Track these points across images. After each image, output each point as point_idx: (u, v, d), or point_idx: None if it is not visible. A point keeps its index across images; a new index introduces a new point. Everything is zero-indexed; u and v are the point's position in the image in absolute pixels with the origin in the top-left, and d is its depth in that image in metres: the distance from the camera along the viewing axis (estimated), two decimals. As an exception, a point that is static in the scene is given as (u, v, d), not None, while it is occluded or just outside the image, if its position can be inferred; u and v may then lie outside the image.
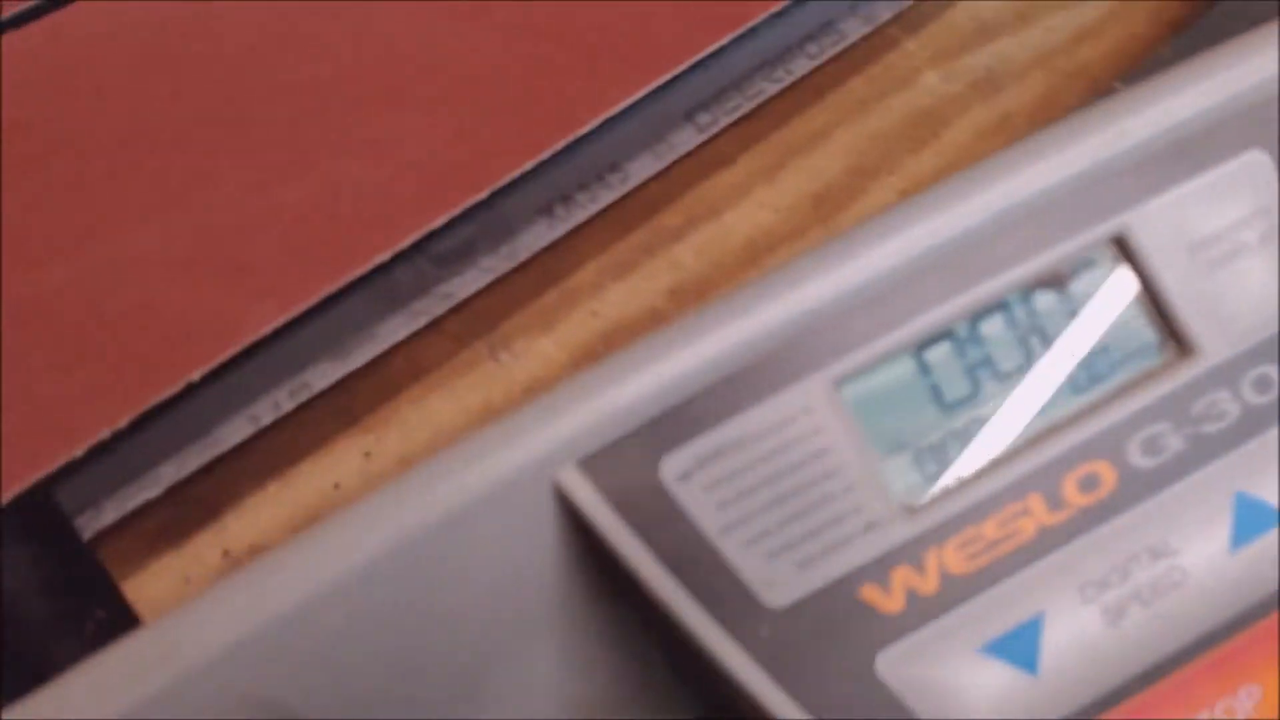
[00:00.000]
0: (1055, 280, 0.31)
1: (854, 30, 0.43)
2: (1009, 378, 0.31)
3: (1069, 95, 0.45)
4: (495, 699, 0.29)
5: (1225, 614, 0.30)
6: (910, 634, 0.29)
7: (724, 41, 0.38)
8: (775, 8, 0.39)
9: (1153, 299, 0.31)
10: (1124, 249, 0.31)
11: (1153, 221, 0.31)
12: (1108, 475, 0.30)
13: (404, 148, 0.38)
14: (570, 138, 0.37)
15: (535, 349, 0.39)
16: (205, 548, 0.36)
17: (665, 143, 0.40)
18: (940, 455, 0.30)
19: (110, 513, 0.35)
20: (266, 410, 0.36)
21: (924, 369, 0.30)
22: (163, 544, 0.36)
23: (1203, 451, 0.30)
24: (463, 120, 0.39)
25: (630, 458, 0.29)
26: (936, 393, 0.30)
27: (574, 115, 0.37)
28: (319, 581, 0.27)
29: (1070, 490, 0.30)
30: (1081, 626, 0.30)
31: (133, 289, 0.36)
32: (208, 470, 0.36)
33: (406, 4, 0.42)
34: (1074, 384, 0.31)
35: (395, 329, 0.38)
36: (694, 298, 0.40)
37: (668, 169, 0.41)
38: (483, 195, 0.36)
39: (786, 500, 0.29)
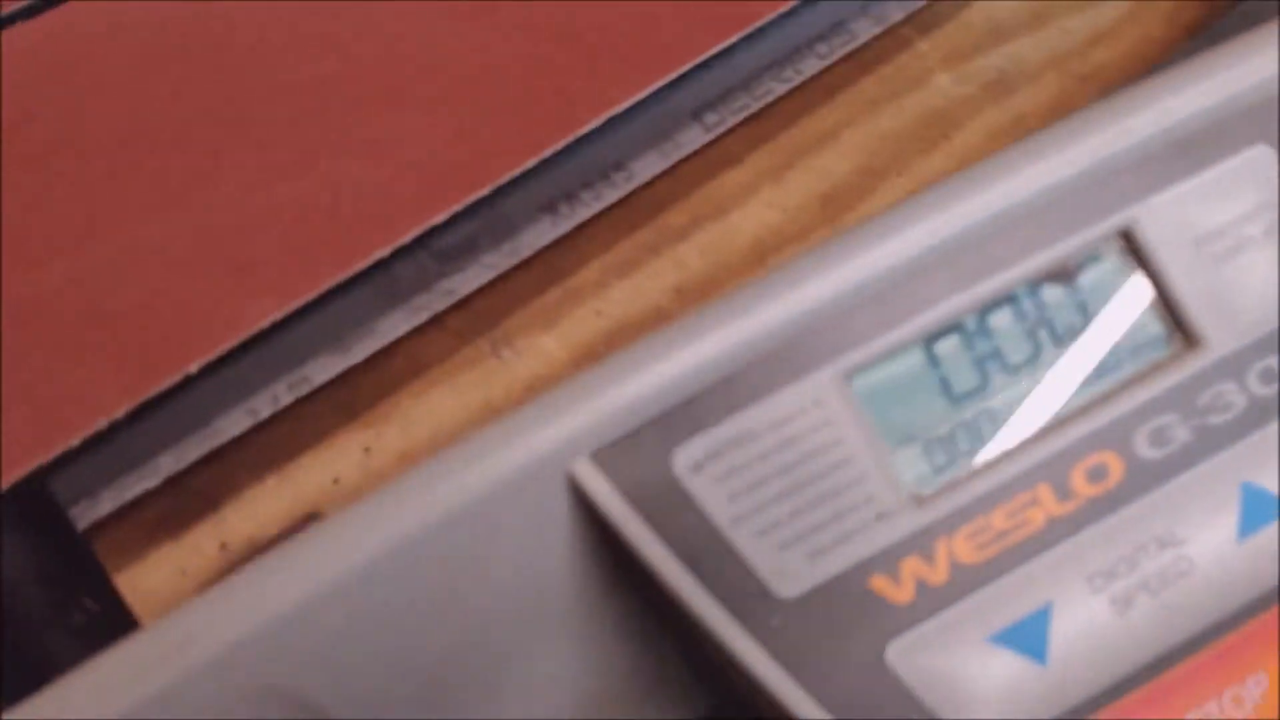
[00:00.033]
0: (1063, 274, 0.31)
1: (865, 30, 0.43)
2: (1018, 370, 0.31)
3: (1082, 98, 0.44)
4: (511, 693, 0.29)
5: (1232, 603, 0.30)
6: (920, 624, 0.29)
7: (731, 41, 0.38)
8: (784, 8, 0.39)
9: (1159, 292, 0.31)
10: (1131, 243, 0.31)
11: (1159, 216, 0.31)
12: (1116, 466, 0.30)
13: (406, 147, 0.38)
14: (571, 137, 0.37)
15: (537, 346, 0.39)
16: (203, 539, 0.36)
17: (672, 142, 0.40)
18: (949, 446, 0.30)
19: (107, 502, 0.35)
20: (265, 403, 0.36)
21: (933, 361, 0.30)
22: (160, 535, 0.36)
23: (1209, 442, 0.31)
24: (465, 120, 0.39)
25: (643, 450, 0.29)
26: (946, 385, 0.31)
27: (576, 115, 0.37)
28: (335, 573, 0.27)
29: (1079, 481, 0.30)
30: (1090, 616, 0.30)
31: (133, 284, 0.36)
32: (206, 462, 0.36)
33: (410, 3, 0.42)
34: (1082, 376, 0.31)
35: (396, 324, 0.38)
36: (698, 297, 0.39)
37: (674, 168, 0.40)
38: (484, 192, 0.36)
39: (797, 491, 0.29)
